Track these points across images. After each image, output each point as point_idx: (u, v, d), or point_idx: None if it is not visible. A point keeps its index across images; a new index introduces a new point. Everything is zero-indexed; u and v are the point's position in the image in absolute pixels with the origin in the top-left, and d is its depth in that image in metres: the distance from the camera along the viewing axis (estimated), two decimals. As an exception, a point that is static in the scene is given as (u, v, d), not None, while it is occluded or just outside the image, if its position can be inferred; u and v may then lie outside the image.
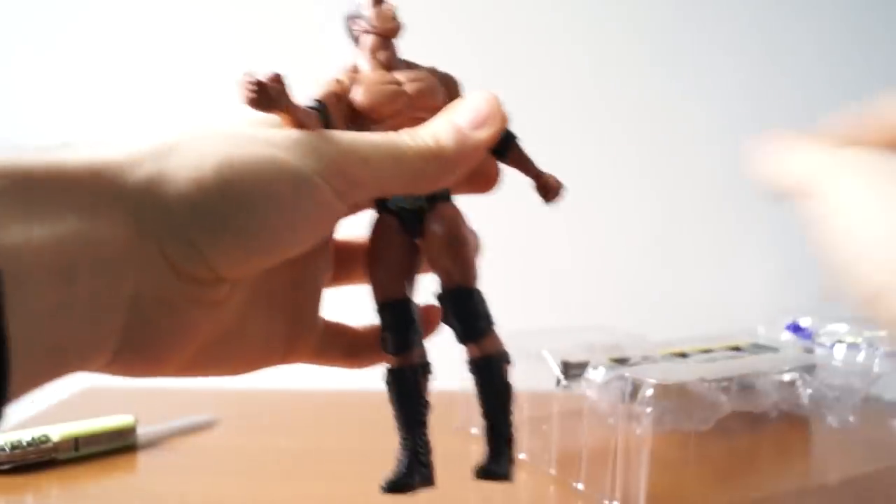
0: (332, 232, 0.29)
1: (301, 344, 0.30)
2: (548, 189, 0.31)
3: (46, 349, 0.19)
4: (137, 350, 0.22)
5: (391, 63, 0.30)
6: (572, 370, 0.57)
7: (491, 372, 0.30)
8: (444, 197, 0.30)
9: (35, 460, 0.49)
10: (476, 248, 0.31)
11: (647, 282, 0.83)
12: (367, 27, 0.30)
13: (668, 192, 0.84)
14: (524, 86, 0.82)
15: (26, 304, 0.18)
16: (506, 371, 0.31)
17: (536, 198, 0.31)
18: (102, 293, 0.20)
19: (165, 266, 0.21)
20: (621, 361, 0.55)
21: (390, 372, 0.30)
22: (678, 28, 0.84)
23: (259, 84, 0.23)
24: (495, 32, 0.82)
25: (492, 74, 0.84)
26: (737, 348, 0.66)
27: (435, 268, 0.30)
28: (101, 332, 0.21)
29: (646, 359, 0.56)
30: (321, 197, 0.23)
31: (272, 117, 0.25)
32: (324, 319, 0.31)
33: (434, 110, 0.29)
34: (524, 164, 0.31)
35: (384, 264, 0.30)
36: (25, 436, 0.49)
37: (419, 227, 0.30)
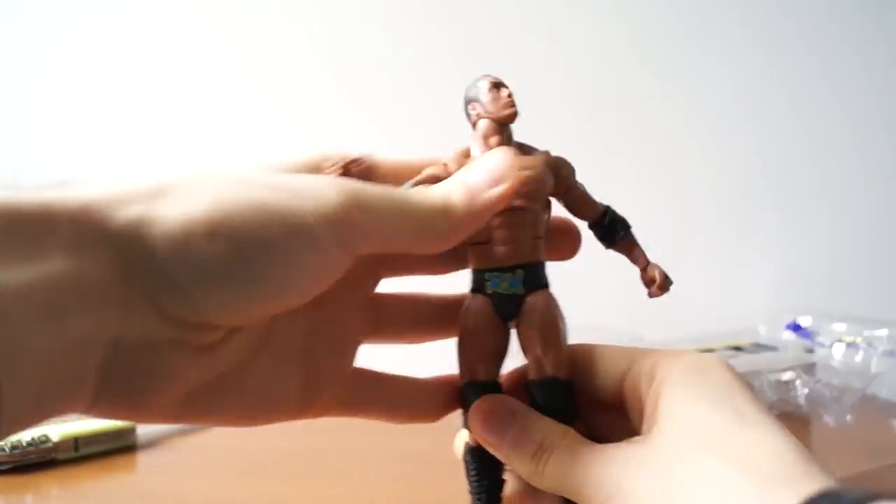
0: (334, 280, 0.25)
1: (322, 396, 0.28)
2: (652, 283, 0.31)
3: (32, 394, 0.19)
4: (117, 393, 0.21)
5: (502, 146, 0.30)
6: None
7: None
8: (542, 285, 0.30)
9: (35, 460, 0.49)
10: (567, 336, 0.30)
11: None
12: (483, 112, 0.30)
13: (669, 191, 0.85)
14: (525, 84, 0.82)
15: (13, 349, 0.18)
16: None
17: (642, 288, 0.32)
18: (87, 334, 0.20)
19: (150, 308, 0.21)
20: (620, 361, 0.55)
21: (471, 450, 0.30)
22: (680, 27, 0.84)
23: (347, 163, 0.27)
24: (498, 32, 0.82)
25: (498, 68, 0.84)
26: (738, 347, 0.66)
27: (527, 355, 0.30)
28: (83, 375, 0.20)
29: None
30: (319, 245, 0.22)
31: (291, 161, 0.25)
32: (357, 369, 0.29)
33: (538, 195, 0.29)
34: (633, 254, 0.32)
35: (473, 347, 0.30)
36: (25, 436, 0.49)
37: (514, 311, 0.30)
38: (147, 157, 0.83)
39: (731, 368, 0.26)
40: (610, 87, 0.84)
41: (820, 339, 0.69)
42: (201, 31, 0.82)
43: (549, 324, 0.29)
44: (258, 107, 0.82)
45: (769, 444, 0.22)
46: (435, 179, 0.29)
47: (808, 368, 0.59)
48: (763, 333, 0.74)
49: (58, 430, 0.51)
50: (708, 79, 0.84)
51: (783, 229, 0.86)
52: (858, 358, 0.62)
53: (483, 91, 0.31)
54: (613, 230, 0.32)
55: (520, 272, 0.30)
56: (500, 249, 0.29)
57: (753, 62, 0.84)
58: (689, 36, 0.84)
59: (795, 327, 0.72)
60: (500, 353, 0.31)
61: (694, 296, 0.85)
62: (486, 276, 0.30)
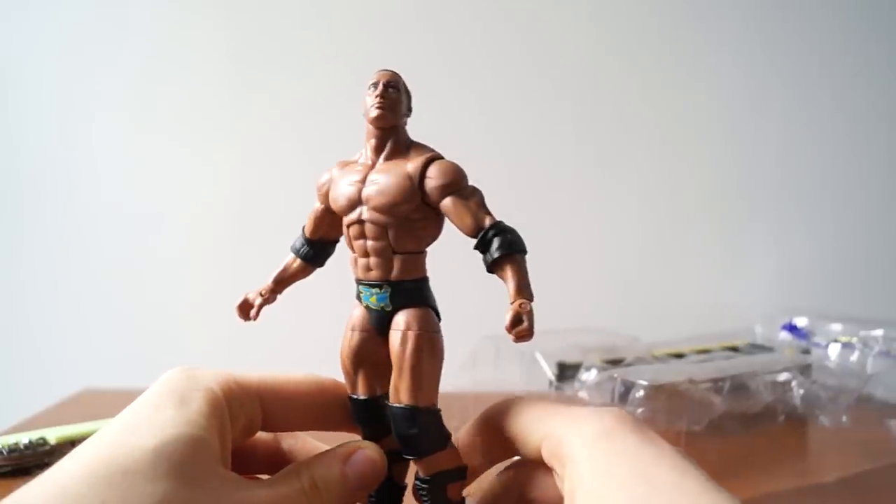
0: None
1: None
2: (510, 321, 0.26)
3: None
4: None
5: (378, 152, 0.29)
6: (567, 371, 0.58)
7: (427, 491, 0.29)
8: (414, 303, 0.28)
9: (33, 463, 0.49)
10: (438, 360, 0.28)
11: (646, 283, 0.83)
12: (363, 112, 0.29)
13: (666, 192, 0.85)
14: (523, 85, 0.82)
15: None
16: (449, 490, 0.29)
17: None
18: None
19: None
20: (615, 363, 0.56)
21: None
22: (679, 28, 0.84)
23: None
24: (498, 32, 0.82)
25: (494, 74, 0.85)
26: (734, 349, 0.66)
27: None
28: None
29: (639, 360, 0.56)
30: None
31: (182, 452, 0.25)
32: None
33: (389, 210, 0.28)
34: (506, 283, 0.27)
35: (352, 359, 0.30)
36: (23, 438, 0.50)
37: (385, 327, 0.29)
38: (147, 156, 0.83)
39: (635, 428, 0.25)
40: (606, 86, 0.84)
41: (816, 339, 0.69)
42: (199, 33, 0.82)
43: (406, 347, 0.28)
44: (257, 107, 0.83)
45: None
46: (317, 215, 0.30)
47: (804, 369, 0.59)
48: (759, 334, 0.74)
49: (55, 432, 0.51)
50: (705, 79, 0.84)
51: (779, 230, 0.86)
52: (854, 358, 0.62)
53: (366, 89, 0.28)
54: (486, 251, 0.27)
55: (387, 288, 0.28)
56: (360, 262, 0.29)
57: (752, 62, 0.85)
58: (686, 34, 0.84)
59: (791, 328, 0.72)
60: (381, 366, 0.29)
61: (690, 297, 0.86)
62: (360, 287, 0.29)
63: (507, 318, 0.26)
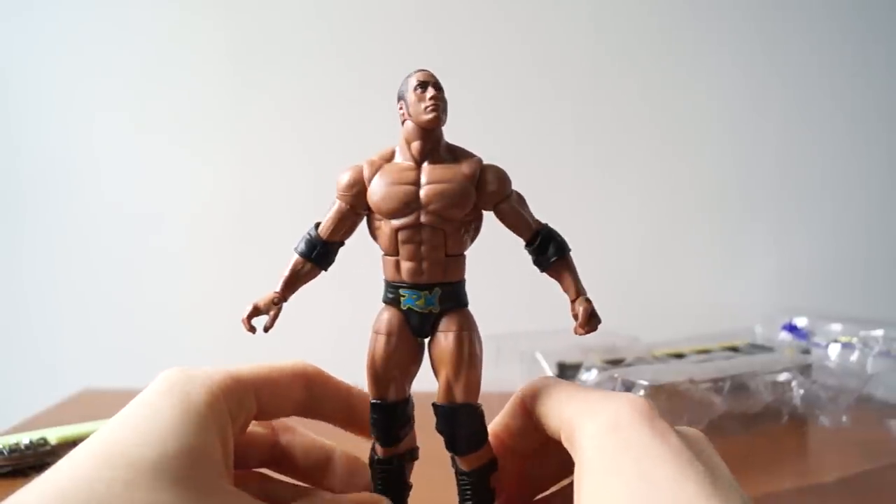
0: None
1: None
2: (577, 319, 0.29)
3: None
4: None
5: (423, 155, 0.28)
6: (567, 371, 0.58)
7: (473, 485, 0.30)
8: (459, 304, 0.29)
9: (33, 463, 0.49)
10: (482, 359, 0.29)
11: (646, 283, 0.83)
12: (406, 113, 0.28)
13: (667, 192, 0.85)
14: (523, 85, 0.82)
15: None
16: (488, 481, 0.30)
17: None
18: None
19: None
20: (615, 363, 0.56)
21: (378, 461, 0.31)
22: (679, 28, 0.84)
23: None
24: (498, 32, 0.82)
25: (494, 74, 0.85)
26: (734, 349, 0.66)
27: (437, 376, 0.30)
28: None
29: (639, 360, 0.56)
30: None
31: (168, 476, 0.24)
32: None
33: (450, 213, 0.28)
34: (563, 282, 0.30)
35: (386, 364, 0.29)
36: (23, 439, 0.50)
37: (428, 329, 0.29)
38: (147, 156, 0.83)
39: (646, 422, 0.25)
40: (606, 86, 0.84)
41: (816, 339, 0.69)
42: (199, 33, 0.82)
43: (462, 347, 0.29)
44: (257, 107, 0.83)
45: None
46: (356, 185, 0.28)
47: (804, 369, 0.59)
48: (759, 334, 0.74)
49: (55, 432, 0.51)
50: (705, 79, 0.84)
51: (779, 230, 0.86)
52: (854, 358, 0.62)
53: (409, 89, 0.28)
54: (543, 253, 0.29)
55: (437, 290, 0.29)
56: (407, 265, 0.29)
57: (752, 62, 0.85)
58: (686, 34, 0.84)
59: (791, 328, 0.73)
60: (413, 369, 0.30)
61: (690, 297, 0.86)
62: (401, 291, 0.29)
63: (581, 315, 0.29)
